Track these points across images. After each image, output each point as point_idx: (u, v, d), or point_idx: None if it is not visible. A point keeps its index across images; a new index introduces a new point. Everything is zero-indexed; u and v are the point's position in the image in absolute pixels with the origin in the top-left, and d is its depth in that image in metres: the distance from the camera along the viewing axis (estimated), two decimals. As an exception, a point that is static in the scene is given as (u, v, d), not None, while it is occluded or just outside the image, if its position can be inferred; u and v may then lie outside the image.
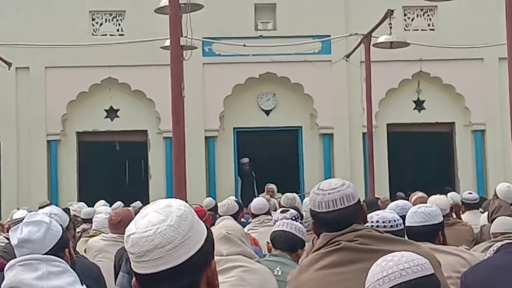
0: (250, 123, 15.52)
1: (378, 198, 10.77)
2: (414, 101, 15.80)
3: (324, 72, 15.08)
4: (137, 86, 15.06)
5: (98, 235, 6.17)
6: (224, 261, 3.31)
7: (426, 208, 3.90)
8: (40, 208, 8.20)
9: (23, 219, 2.83)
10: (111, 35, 15.23)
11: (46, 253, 2.64)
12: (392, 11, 11.51)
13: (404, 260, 1.88)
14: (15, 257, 2.64)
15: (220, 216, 7.02)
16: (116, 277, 4.67)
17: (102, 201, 10.54)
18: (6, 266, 2.64)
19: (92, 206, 9.61)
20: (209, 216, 7.03)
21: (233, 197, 9.64)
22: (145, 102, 15.17)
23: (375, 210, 3.73)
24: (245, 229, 6.76)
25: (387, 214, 3.49)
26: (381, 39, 11.92)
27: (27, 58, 14.49)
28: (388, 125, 15.59)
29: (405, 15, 15.47)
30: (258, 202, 7.37)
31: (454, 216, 7.14)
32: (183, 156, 7.70)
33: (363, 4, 14.86)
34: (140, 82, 14.99)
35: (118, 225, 5.45)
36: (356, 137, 15.23)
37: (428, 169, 16.14)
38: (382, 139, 15.33)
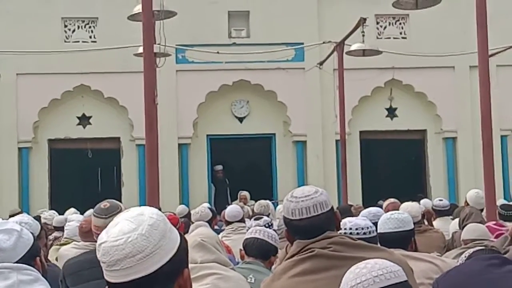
0: (224, 130, 15.51)
1: (351, 205, 10.82)
2: (387, 109, 15.91)
3: (297, 80, 15.14)
4: (110, 93, 14.98)
5: (70, 243, 6.10)
6: (199, 268, 3.30)
7: (399, 215, 3.92)
8: (10, 216, 8.11)
9: (-7, 227, 2.79)
10: (83, 42, 15.14)
11: (17, 262, 2.61)
12: (365, 19, 11.60)
13: (377, 267, 1.89)
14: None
15: (193, 223, 7.00)
16: None
17: (72, 209, 10.45)
18: (-24, 275, 2.60)
19: (64, 214, 9.53)
20: (182, 223, 7.01)
21: (207, 204, 9.62)
22: (118, 109, 15.09)
23: (348, 217, 3.74)
24: (219, 236, 6.76)
25: (359, 221, 3.51)
26: (354, 47, 11.99)
27: (-2, 65, 14.37)
28: (361, 132, 15.69)
29: (377, 23, 15.59)
30: (232, 209, 7.36)
31: (426, 223, 7.19)
32: (156, 163, 7.66)
33: (336, 12, 14.96)
34: (113, 89, 14.92)
35: (89, 232, 5.39)
36: (329, 144, 15.29)
37: (401, 176, 16.25)
38: (355, 146, 15.41)
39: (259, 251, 4.06)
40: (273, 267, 4.00)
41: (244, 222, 7.23)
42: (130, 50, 12.40)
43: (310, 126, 15.23)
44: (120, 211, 3.63)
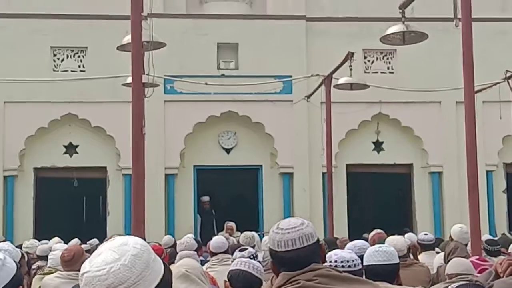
0: (211, 161, 15.51)
1: (336, 238, 10.82)
2: (373, 142, 15.99)
3: (285, 112, 15.21)
4: (97, 122, 14.98)
5: (53, 272, 6.06)
6: (182, 299, 3.29)
7: (386, 248, 3.93)
8: (-6, 244, 8.02)
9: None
10: (72, 71, 15.17)
11: (-1, 290, 2.59)
12: (353, 53, 11.70)
13: (361, 299, 1.90)
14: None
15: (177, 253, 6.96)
16: None
17: (56, 238, 10.36)
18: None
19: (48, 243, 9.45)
20: (167, 254, 6.98)
21: (192, 235, 9.59)
22: (105, 139, 15.07)
23: (333, 249, 3.74)
24: (204, 267, 6.72)
25: (345, 254, 3.51)
26: (342, 80, 12.08)
27: (-14, 92, 14.35)
28: (347, 165, 15.73)
29: (365, 57, 15.74)
30: (217, 240, 7.31)
31: (412, 257, 7.20)
32: (142, 193, 7.63)
33: (324, 46, 15.09)
34: (100, 118, 14.91)
35: (71, 261, 5.37)
36: (316, 177, 15.31)
37: (387, 210, 16.29)
38: (341, 179, 15.44)
39: (244, 283, 4.04)
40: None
41: (229, 253, 7.19)
42: (118, 80, 12.42)
43: (297, 158, 15.26)
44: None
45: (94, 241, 10.95)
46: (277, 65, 15.13)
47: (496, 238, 9.91)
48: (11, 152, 14.79)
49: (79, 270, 1.72)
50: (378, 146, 16.01)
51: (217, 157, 15.55)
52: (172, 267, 3.86)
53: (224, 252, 7.10)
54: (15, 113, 14.74)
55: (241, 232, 10.84)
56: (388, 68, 15.92)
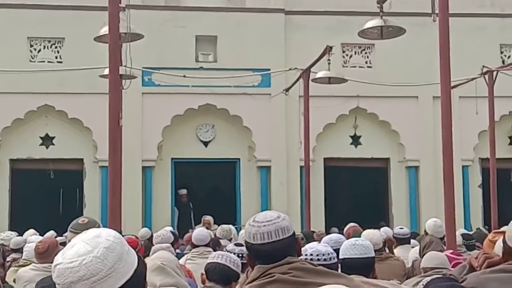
0: (188, 154, 15.48)
1: (313, 231, 10.86)
2: (351, 136, 16.05)
3: (263, 105, 15.21)
4: (74, 114, 14.88)
5: (28, 264, 6.02)
6: (158, 292, 3.28)
7: (363, 241, 3.96)
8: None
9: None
10: (49, 62, 15.04)
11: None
12: (331, 47, 11.73)
13: (335, 293, 1.91)
14: None
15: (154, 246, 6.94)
16: None
17: (31, 230, 10.29)
18: None
19: (23, 235, 9.38)
20: (143, 246, 6.96)
21: (169, 228, 9.57)
22: (82, 130, 14.98)
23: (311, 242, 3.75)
24: (183, 259, 6.72)
25: (321, 247, 3.52)
26: (320, 74, 12.10)
27: (-39, 82, 14.18)
28: (325, 159, 15.79)
29: (343, 51, 15.78)
30: (200, 233, 7.28)
31: (387, 250, 7.25)
32: (119, 185, 7.60)
33: (303, 40, 15.11)
34: (77, 110, 14.81)
35: (45, 254, 5.34)
36: (294, 171, 15.34)
37: (363, 204, 16.38)
38: (319, 173, 15.49)
39: (221, 276, 4.05)
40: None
41: (210, 246, 7.18)
42: (95, 71, 12.33)
43: (275, 151, 15.28)
44: (98, 227, 3.59)
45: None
46: (255, 58, 15.13)
47: (471, 233, 10.01)
48: (-14, 143, 14.66)
49: (52, 263, 1.71)
50: (355, 140, 16.08)
51: (195, 150, 15.53)
52: (147, 259, 3.85)
53: (206, 245, 7.09)
54: (-10, 104, 14.59)
55: (219, 225, 10.85)
56: (366, 63, 15.98)
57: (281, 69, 14.51)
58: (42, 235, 9.16)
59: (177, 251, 7.57)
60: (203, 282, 4.20)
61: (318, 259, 3.31)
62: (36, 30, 14.93)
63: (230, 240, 9.32)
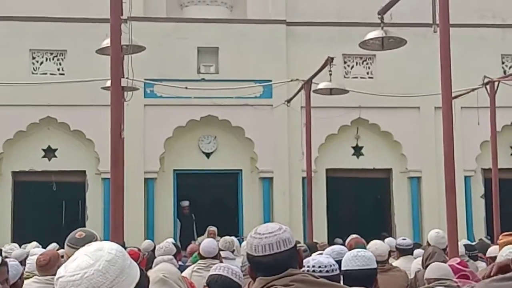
0: (191, 165, 15.48)
1: (316, 243, 10.83)
2: (353, 147, 16.05)
3: (265, 116, 15.23)
4: (77, 126, 14.90)
5: (31, 277, 6.01)
6: (160, 304, 3.28)
7: (365, 253, 3.94)
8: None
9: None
10: (51, 74, 15.08)
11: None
12: (332, 58, 11.74)
13: (337, 305, 1.90)
14: None
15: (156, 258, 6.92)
16: None
17: (34, 243, 10.29)
18: None
19: (25, 248, 9.37)
20: (145, 258, 6.94)
21: (171, 240, 9.54)
22: (84, 142, 15.00)
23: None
24: (188, 270, 6.68)
25: (323, 259, 3.52)
26: (321, 85, 12.11)
27: (-36, 95, 14.22)
28: (327, 170, 15.78)
29: (345, 62, 15.81)
30: (208, 245, 7.16)
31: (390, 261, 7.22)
32: (121, 197, 7.60)
33: (304, 51, 15.14)
34: (79, 122, 14.84)
35: (46, 266, 5.33)
36: (296, 182, 15.34)
37: (366, 214, 16.36)
38: (321, 184, 15.48)
39: (222, 288, 4.04)
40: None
41: (218, 258, 7.12)
42: (97, 83, 12.37)
43: (277, 163, 15.28)
44: (96, 240, 3.58)
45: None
46: (257, 69, 15.15)
47: (473, 243, 9.98)
48: (-12, 155, 14.67)
49: (54, 275, 1.71)
50: (357, 151, 16.08)
51: (197, 161, 15.53)
52: (149, 272, 3.85)
53: (213, 258, 7.02)
54: (-7, 116, 14.62)
55: (221, 237, 10.82)
56: (367, 73, 16.00)
57: (282, 80, 14.54)
58: (44, 247, 9.15)
59: (179, 263, 7.54)
60: (205, 294, 4.19)
61: (320, 271, 3.31)
62: (38, 42, 14.98)
63: (232, 252, 9.30)
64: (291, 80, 13.88)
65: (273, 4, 15.69)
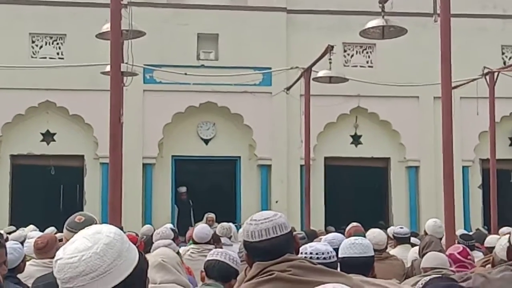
0: (189, 151, 15.49)
1: (314, 231, 10.86)
2: (352, 136, 16.06)
3: (264, 104, 15.22)
4: (76, 110, 14.88)
5: (28, 260, 6.03)
6: (158, 289, 3.29)
7: (363, 240, 3.95)
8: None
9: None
10: (50, 58, 15.05)
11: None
12: (332, 46, 11.73)
13: (334, 291, 1.91)
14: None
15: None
16: None
17: (32, 226, 10.30)
18: None
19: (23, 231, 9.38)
20: (142, 242, 6.97)
21: (169, 225, 9.57)
22: (83, 127, 14.99)
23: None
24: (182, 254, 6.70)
25: (320, 246, 3.53)
26: (321, 73, 12.11)
27: (-37, 78, 14.20)
28: (325, 158, 15.79)
29: (344, 51, 15.78)
30: (201, 230, 7.23)
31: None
32: (119, 182, 7.62)
33: (304, 39, 15.11)
34: (78, 106, 14.82)
35: (44, 249, 5.34)
36: (294, 169, 15.35)
37: (363, 203, 16.39)
38: (319, 172, 15.49)
39: (220, 274, 4.05)
40: (232, 289, 4.00)
41: (211, 244, 7.17)
42: (97, 68, 12.35)
43: (275, 150, 15.29)
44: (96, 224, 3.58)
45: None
46: (257, 56, 15.13)
47: (470, 233, 10.01)
48: (-13, 138, 14.67)
49: (53, 258, 1.73)
50: (356, 139, 16.09)
51: (196, 147, 15.54)
52: (148, 256, 3.87)
53: (207, 243, 7.06)
54: (-8, 100, 14.60)
55: (218, 223, 10.84)
56: (367, 62, 15.98)
57: (282, 68, 14.53)
58: (42, 231, 9.17)
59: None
60: (202, 279, 4.21)
61: (318, 258, 3.32)
62: (38, 26, 14.94)
63: (229, 238, 9.32)
64: (291, 68, 13.88)
65: (274, -9, 15.65)
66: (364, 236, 5.80)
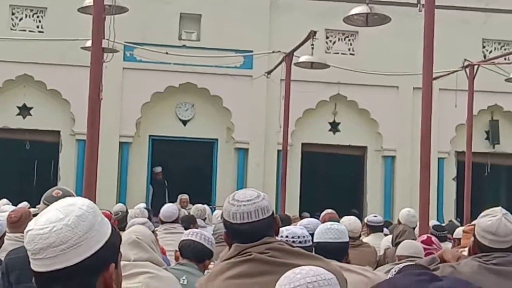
0: (167, 132, 15.42)
1: (288, 216, 10.88)
2: (330, 123, 16.08)
3: (244, 87, 15.18)
4: (53, 85, 14.73)
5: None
6: (131, 266, 3.27)
7: (339, 226, 3.96)
8: None
9: None
10: (30, 31, 14.86)
11: None
12: (315, 32, 11.69)
13: (311, 274, 1.91)
14: None
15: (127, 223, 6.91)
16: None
17: (4, 200, 10.21)
18: None
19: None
20: (116, 220, 6.95)
21: (143, 205, 9.54)
22: (60, 102, 14.84)
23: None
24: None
25: (297, 229, 3.53)
26: (303, 58, 12.08)
27: None
28: (303, 144, 15.81)
29: (327, 37, 15.77)
30: (168, 209, 7.25)
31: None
32: (95, 160, 7.54)
33: (287, 23, 15.07)
34: (56, 81, 14.67)
35: (18, 223, 5.30)
36: (271, 154, 15.36)
37: (338, 191, 16.45)
38: (296, 157, 15.52)
39: (194, 254, 4.05)
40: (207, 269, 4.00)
41: (178, 223, 7.19)
42: (77, 43, 12.22)
43: (253, 134, 15.27)
44: None
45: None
46: (239, 39, 15.06)
47: (443, 224, 10.09)
48: (-38, 110, 14.48)
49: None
50: (334, 127, 16.12)
51: (173, 128, 15.47)
52: (122, 233, 3.84)
53: (173, 222, 7.08)
54: (-32, 71, 14.41)
55: (193, 205, 10.83)
56: (349, 50, 15.99)
57: (263, 52, 14.46)
58: (15, 205, 9.09)
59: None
60: (176, 259, 4.20)
61: (294, 241, 3.32)
62: (18, -2, 14.74)
63: (204, 220, 9.32)
64: (273, 52, 13.81)
65: (258, -26, 15.56)
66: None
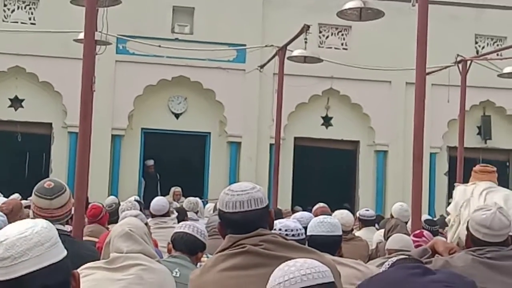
0: (159, 125, 15.40)
1: (280, 210, 10.89)
2: (323, 117, 16.10)
3: (237, 81, 15.16)
4: (45, 77, 14.68)
5: (-8, 226, 5.95)
6: (124, 258, 3.26)
7: (331, 219, 3.96)
8: None
9: None
10: (22, 23, 14.79)
11: None
12: (308, 26, 11.67)
13: (306, 266, 1.91)
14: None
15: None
16: None
17: (-4, 192, 10.19)
18: None
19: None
20: (107, 213, 6.94)
21: (135, 197, 9.53)
22: (52, 95, 14.79)
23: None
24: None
25: (290, 223, 3.54)
26: (296, 52, 12.07)
27: None
28: (295, 138, 15.82)
29: (320, 32, 15.76)
30: (157, 202, 7.24)
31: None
32: (87, 152, 7.49)
33: (281, 17, 15.05)
34: (48, 73, 14.62)
35: (9, 215, 5.30)
36: (263, 148, 15.36)
37: (331, 185, 16.46)
38: (288, 151, 15.52)
39: (187, 246, 4.04)
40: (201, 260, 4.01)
41: (168, 216, 7.18)
42: (69, 35, 12.15)
43: (246, 128, 15.27)
44: (65, 191, 3.52)
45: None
46: (232, 33, 15.04)
47: (435, 219, 10.12)
48: (-47, 101, 14.41)
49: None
50: (326, 121, 16.13)
51: (166, 121, 15.45)
52: (115, 225, 3.83)
53: (163, 215, 7.08)
54: (-40, 62, 14.34)
55: (185, 198, 10.83)
56: (342, 44, 15.99)
57: (257, 45, 14.44)
58: (6, 197, 9.06)
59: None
60: (169, 251, 4.19)
61: (287, 234, 3.32)
62: (11, -11, 14.66)
63: (196, 213, 9.33)
64: (266, 46, 13.78)
65: (252, -32, 15.53)
66: (331, 217, 5.83)
